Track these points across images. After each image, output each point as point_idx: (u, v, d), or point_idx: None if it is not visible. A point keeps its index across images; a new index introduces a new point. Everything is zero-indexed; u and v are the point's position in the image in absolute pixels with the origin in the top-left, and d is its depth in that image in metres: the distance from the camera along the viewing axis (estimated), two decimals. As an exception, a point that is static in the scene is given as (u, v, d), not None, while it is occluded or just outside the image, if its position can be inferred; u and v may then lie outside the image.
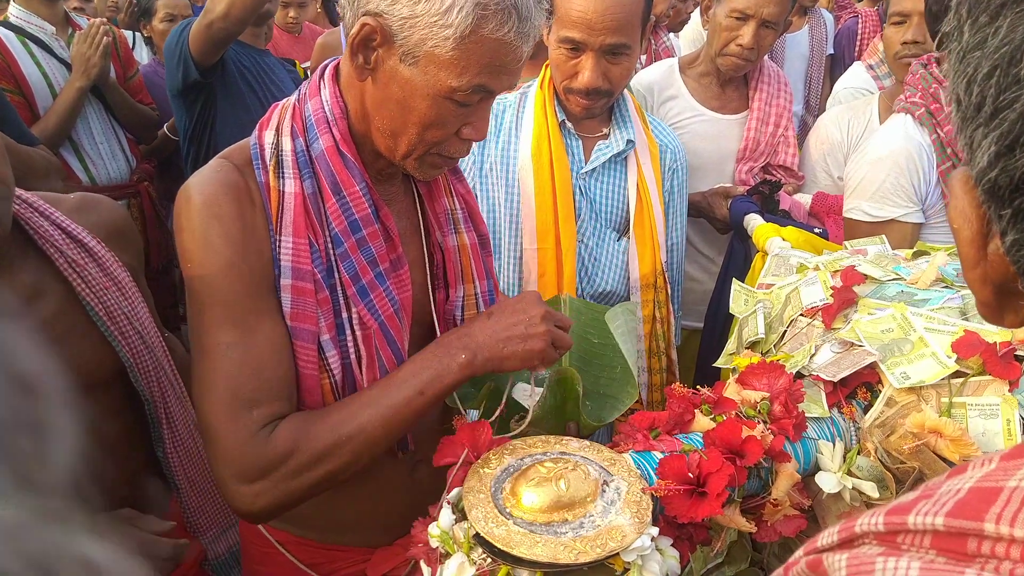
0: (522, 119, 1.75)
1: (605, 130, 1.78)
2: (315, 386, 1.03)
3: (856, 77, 2.84)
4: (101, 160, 2.69)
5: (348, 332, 1.04)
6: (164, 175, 3.02)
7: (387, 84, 0.98)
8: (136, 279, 1.37)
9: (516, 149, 1.73)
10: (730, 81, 2.31)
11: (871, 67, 2.78)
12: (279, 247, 1.01)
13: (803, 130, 3.91)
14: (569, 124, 1.74)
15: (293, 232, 1.01)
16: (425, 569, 0.91)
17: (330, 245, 1.04)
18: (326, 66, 1.10)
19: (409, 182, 1.20)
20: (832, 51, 4.22)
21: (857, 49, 4.08)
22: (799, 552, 0.49)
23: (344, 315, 1.04)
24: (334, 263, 1.04)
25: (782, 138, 2.34)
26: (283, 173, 1.03)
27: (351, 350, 1.05)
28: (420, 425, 1.10)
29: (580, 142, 1.77)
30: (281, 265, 1.01)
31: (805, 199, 2.13)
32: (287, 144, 1.04)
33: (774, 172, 2.36)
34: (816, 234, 1.87)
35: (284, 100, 1.11)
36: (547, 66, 1.77)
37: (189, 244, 1.00)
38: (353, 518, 1.19)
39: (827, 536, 0.47)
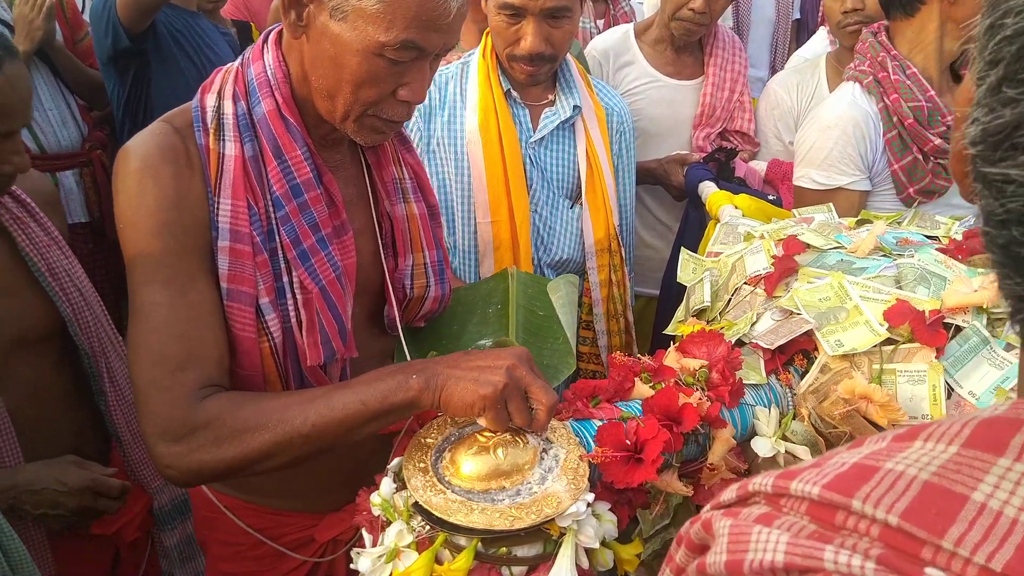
0: (466, 90, 1.73)
1: (551, 96, 1.77)
2: (253, 348, 1.03)
3: (819, 44, 2.85)
4: (51, 127, 2.62)
5: (289, 296, 1.04)
6: (116, 143, 2.96)
7: (319, 41, 0.98)
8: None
9: (462, 121, 1.72)
10: (685, 47, 2.31)
11: (831, 32, 2.80)
12: (217, 209, 1.01)
13: (767, 95, 3.93)
14: (515, 93, 1.74)
15: (232, 195, 1.01)
16: (367, 536, 0.93)
17: (271, 208, 1.03)
18: (270, 31, 1.10)
19: (357, 150, 1.20)
20: (798, 16, 4.22)
21: (820, 13, 4.09)
22: (706, 507, 0.52)
23: (284, 279, 1.04)
24: (275, 227, 1.04)
25: (738, 103, 2.36)
26: (223, 136, 1.03)
27: (292, 314, 1.05)
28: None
29: (527, 111, 1.76)
30: (219, 227, 1.01)
31: (761, 166, 2.15)
32: (228, 107, 1.04)
33: (731, 138, 2.38)
34: (769, 202, 1.89)
35: (228, 64, 1.11)
36: (488, 34, 1.75)
37: (124, 206, 1.00)
38: (298, 484, 1.21)
39: (729, 492, 0.49)
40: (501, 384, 0.91)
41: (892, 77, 1.68)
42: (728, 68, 2.36)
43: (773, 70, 4.03)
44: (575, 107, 1.73)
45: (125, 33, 2.29)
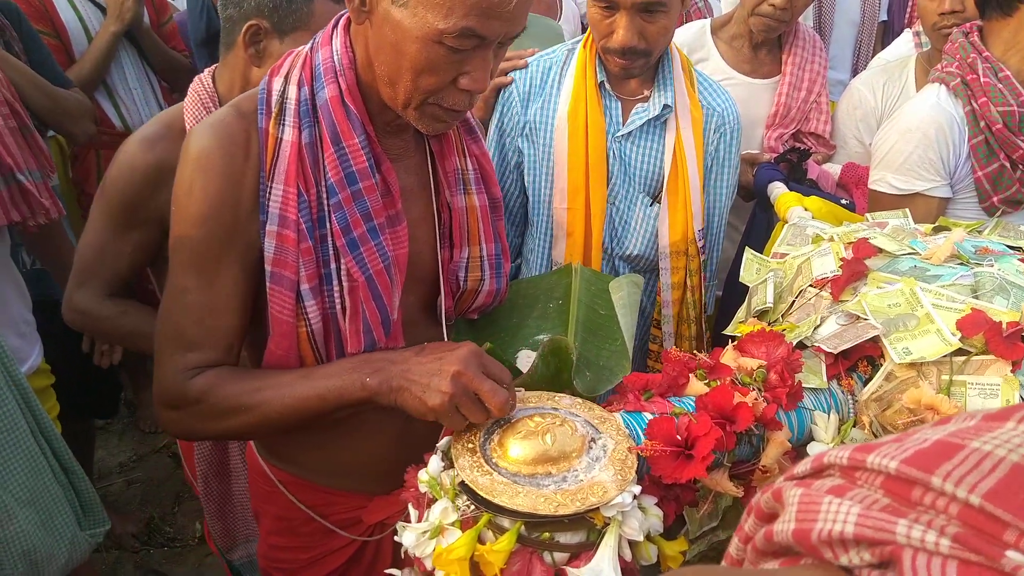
0: (564, 78, 1.73)
1: (646, 92, 1.73)
2: (290, 332, 1.06)
3: (902, 47, 2.73)
4: (134, 105, 2.73)
5: (335, 283, 1.06)
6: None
7: (381, 27, 0.98)
8: None
9: (554, 108, 1.73)
10: (763, 44, 2.25)
11: (917, 34, 2.68)
12: (269, 194, 1.04)
13: (850, 99, 3.80)
14: (608, 85, 1.72)
15: (284, 181, 1.03)
16: (412, 512, 0.94)
17: (324, 195, 1.05)
18: (340, 16, 1.11)
19: (422, 138, 1.19)
20: (885, 17, 4.07)
21: (908, 15, 3.93)
22: (780, 478, 0.51)
23: (332, 265, 1.06)
24: (326, 213, 1.05)
25: (814, 105, 2.29)
26: (284, 121, 1.05)
27: (336, 300, 1.07)
28: None
29: (619, 104, 1.73)
30: (269, 211, 1.04)
31: (835, 169, 2.09)
32: (292, 92, 1.05)
33: (805, 140, 2.32)
34: (842, 205, 1.83)
35: (299, 48, 1.12)
36: None
37: (177, 189, 1.06)
38: (350, 464, 1.23)
39: (803, 464, 0.50)
40: (448, 395, 0.96)
41: (982, 80, 1.60)
42: (807, 68, 2.29)
43: (855, 73, 3.89)
44: (665, 106, 1.69)
45: (219, 16, 2.36)
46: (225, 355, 1.09)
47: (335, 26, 1.09)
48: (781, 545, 0.46)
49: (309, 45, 1.10)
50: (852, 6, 3.77)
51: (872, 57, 3.85)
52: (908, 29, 2.89)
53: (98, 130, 2.67)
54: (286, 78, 1.07)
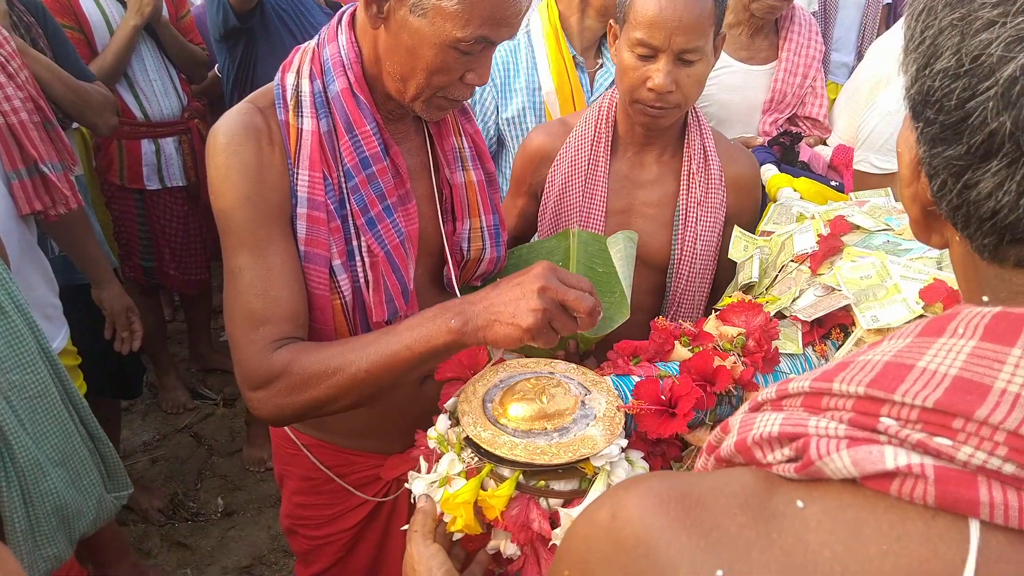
0: (535, 54, 1.95)
1: (600, 61, 1.99)
2: (326, 305, 1.16)
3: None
4: (155, 97, 2.84)
5: (358, 258, 1.16)
6: (215, 114, 3.16)
7: (398, 33, 1.08)
8: None
9: (538, 80, 1.94)
10: (760, 30, 2.32)
11: None
12: (296, 180, 1.13)
13: (853, 81, 3.84)
14: (580, 59, 1.95)
15: (309, 166, 1.13)
16: (423, 464, 1.04)
17: (343, 179, 1.15)
18: (343, 12, 1.20)
19: (420, 122, 1.30)
20: (889, 0, 4.10)
21: (910, -2, 3.96)
22: (744, 406, 0.61)
23: (355, 243, 1.16)
24: (346, 195, 1.15)
25: (810, 89, 2.36)
26: (302, 112, 1.14)
27: (360, 275, 1.17)
28: None
29: (588, 76, 1.99)
30: (298, 196, 1.13)
31: (826, 152, 2.16)
32: (306, 86, 1.15)
33: (800, 123, 2.39)
34: (832, 187, 1.91)
35: (305, 43, 1.22)
36: (550, 2, 2.00)
37: (214, 180, 1.13)
38: (368, 425, 1.34)
39: (768, 391, 0.57)
40: (540, 311, 0.97)
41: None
42: (802, 52, 2.36)
43: (860, 55, 3.94)
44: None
45: (234, 13, 2.45)
46: (292, 324, 1.12)
47: (339, 22, 1.19)
48: (725, 460, 0.56)
49: (315, 41, 1.20)
50: (858, -13, 3.79)
51: (876, 39, 3.90)
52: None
53: (119, 120, 2.78)
54: (297, 72, 1.16)
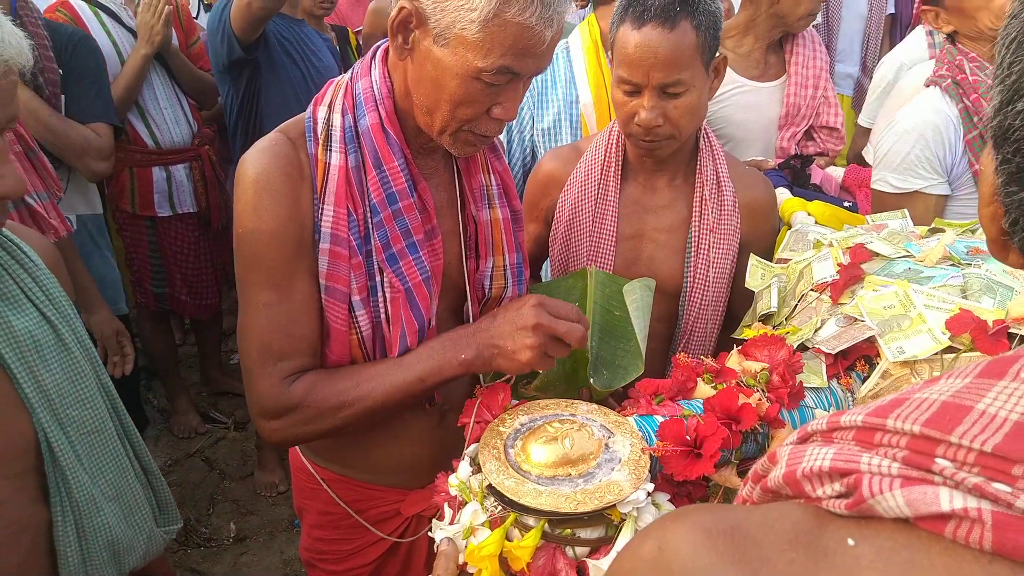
0: (573, 68, 1.94)
1: None
2: (343, 339, 1.17)
3: (918, 45, 2.70)
4: (166, 124, 2.85)
5: (380, 294, 1.16)
6: (224, 140, 3.17)
7: (423, 63, 1.08)
8: None
9: (575, 92, 1.94)
10: (768, 46, 2.32)
11: (930, 33, 2.66)
12: (321, 215, 1.13)
13: (859, 92, 3.81)
14: None
15: (335, 202, 1.13)
16: (447, 512, 1.03)
17: (368, 214, 1.15)
18: (378, 47, 1.20)
19: (450, 157, 1.29)
20: (893, 10, 4.09)
21: (915, 8, 3.95)
22: (792, 436, 0.59)
23: (377, 278, 1.16)
24: (370, 231, 1.15)
25: (823, 99, 2.35)
26: (331, 147, 1.14)
27: (381, 310, 1.17)
28: None
29: None
30: (322, 231, 1.13)
31: (837, 172, 2.15)
32: (337, 120, 1.15)
33: (818, 134, 2.37)
34: (845, 207, 1.90)
35: (339, 77, 1.22)
36: (591, 20, 2.00)
37: (242, 212, 1.13)
38: (388, 461, 1.33)
39: (816, 423, 0.56)
40: (535, 347, 1.11)
41: (971, 78, 1.68)
42: (810, 65, 2.35)
43: (864, 66, 3.93)
44: None
45: (238, 43, 2.45)
46: (312, 359, 1.18)
47: (373, 56, 1.19)
48: (772, 491, 0.55)
49: (349, 75, 1.20)
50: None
51: (880, 50, 3.88)
52: (920, 27, 2.87)
53: (130, 148, 2.79)
54: (329, 106, 1.16)
